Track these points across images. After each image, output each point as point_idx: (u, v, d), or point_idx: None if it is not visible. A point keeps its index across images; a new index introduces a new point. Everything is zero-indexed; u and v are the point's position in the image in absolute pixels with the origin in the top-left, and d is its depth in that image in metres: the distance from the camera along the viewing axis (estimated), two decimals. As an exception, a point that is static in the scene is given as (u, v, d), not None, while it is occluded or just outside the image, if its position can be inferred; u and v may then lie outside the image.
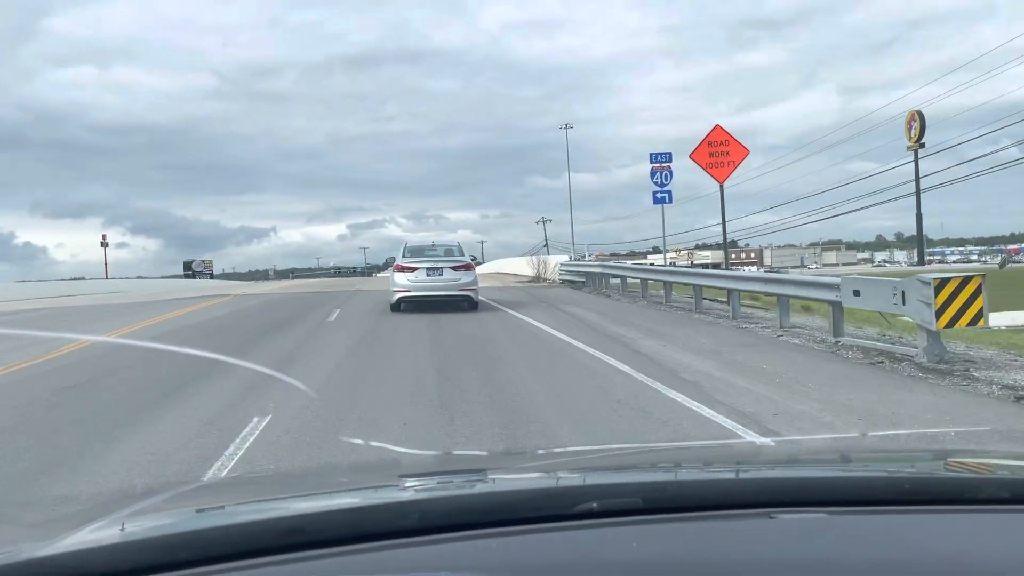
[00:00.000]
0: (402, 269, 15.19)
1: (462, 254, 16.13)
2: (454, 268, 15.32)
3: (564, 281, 27.24)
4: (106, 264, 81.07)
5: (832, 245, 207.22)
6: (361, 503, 1.22)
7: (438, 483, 1.46)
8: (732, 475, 1.45)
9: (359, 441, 4.68)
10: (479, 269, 23.01)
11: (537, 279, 29.86)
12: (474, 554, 0.95)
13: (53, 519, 1.39)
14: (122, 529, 1.11)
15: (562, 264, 29.60)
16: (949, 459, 1.64)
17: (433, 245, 16.48)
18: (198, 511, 1.26)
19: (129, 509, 1.29)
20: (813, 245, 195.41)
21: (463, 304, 15.30)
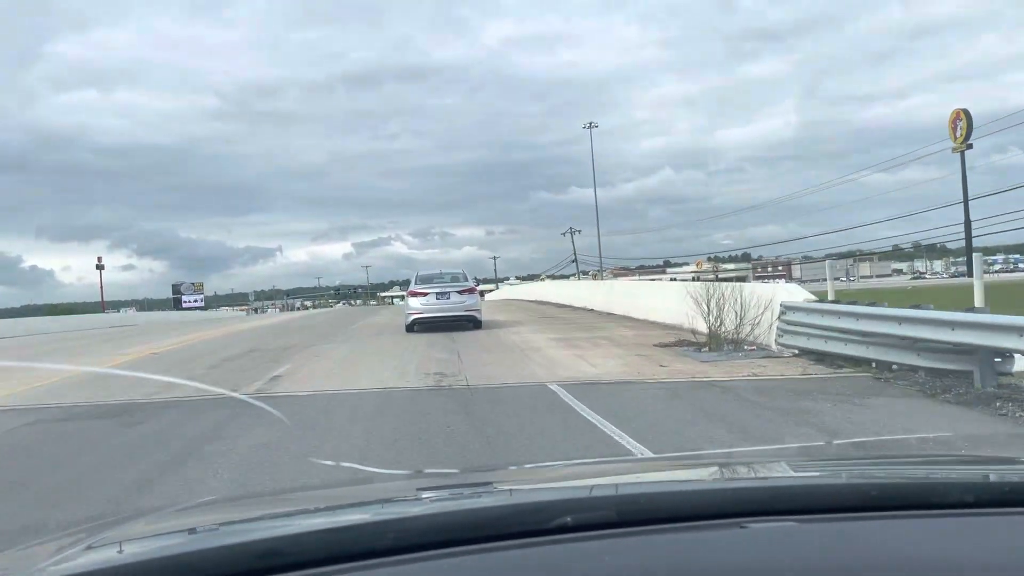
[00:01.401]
0: (415, 295, 17.90)
1: (466, 280, 18.87)
2: (460, 292, 17.99)
3: (808, 353, 10.67)
4: (101, 288, 77.90)
5: (865, 256, 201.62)
6: (337, 524, 1.22)
7: (413, 502, 1.48)
8: (703, 486, 1.49)
9: (330, 462, 4.53)
10: (499, 294, 25.49)
11: (717, 339, 12.25)
12: (451, 572, 0.99)
13: (22, 546, 1.37)
14: (91, 556, 1.15)
15: (804, 305, 11.13)
16: (916, 464, 1.71)
17: (441, 273, 19.32)
18: (170, 534, 1.30)
19: (100, 536, 1.30)
20: (844, 256, 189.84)
21: (468, 325, 18.05)
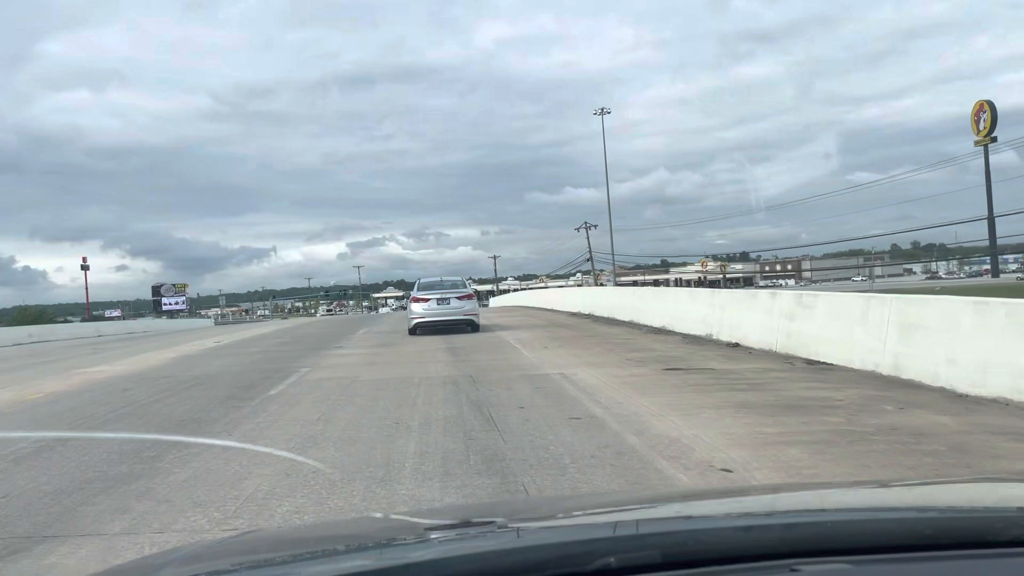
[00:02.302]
0: (417, 300, 19.61)
1: (465, 286, 20.59)
2: (459, 298, 19.58)
3: None
4: (87, 290, 74.75)
5: (875, 256, 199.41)
6: (372, 565, 1.20)
7: (452, 539, 1.43)
8: (752, 522, 1.45)
9: (379, 515, 3.83)
10: (506, 299, 25.29)
11: None
12: None
13: None
14: None
15: None
16: (972, 501, 1.63)
17: (441, 280, 21.15)
18: None
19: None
20: (854, 253, 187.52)
21: (466, 328, 19.60)
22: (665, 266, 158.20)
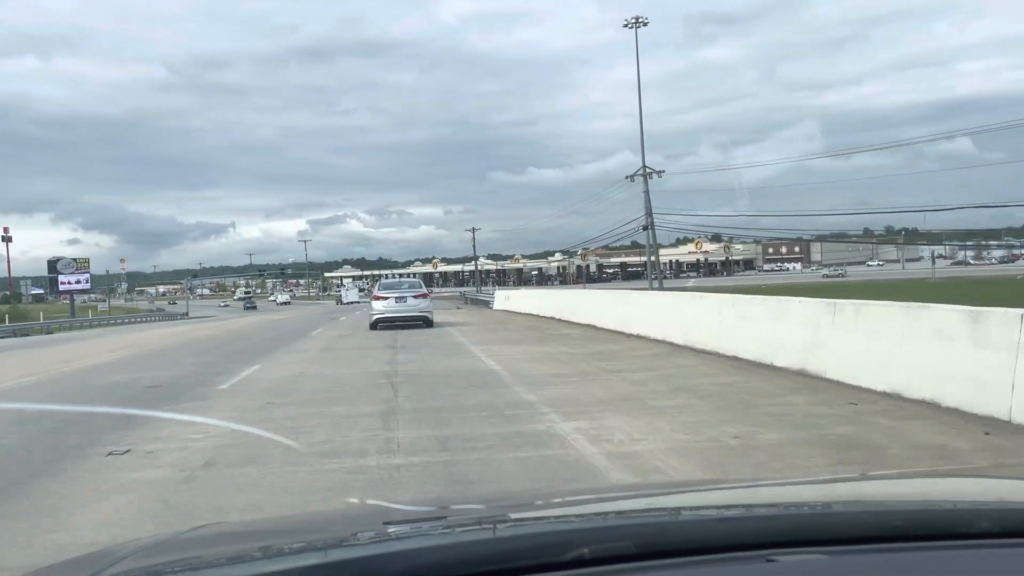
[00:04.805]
0: (378, 298, 22.61)
1: (421, 287, 24.38)
2: (415, 297, 22.61)
3: None
4: (9, 263, 62.65)
5: (889, 239, 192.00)
6: (340, 558, 1.23)
7: (425, 532, 1.48)
8: (728, 515, 1.48)
9: (355, 500, 4.31)
10: (522, 299, 29.67)
11: None
12: None
13: None
14: None
15: None
16: (945, 496, 1.70)
17: (400, 281, 27.95)
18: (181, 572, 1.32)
19: (91, 570, 1.31)
20: (868, 233, 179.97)
21: (420, 324, 21.97)
22: (639, 246, 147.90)
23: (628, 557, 1.08)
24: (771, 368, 10.11)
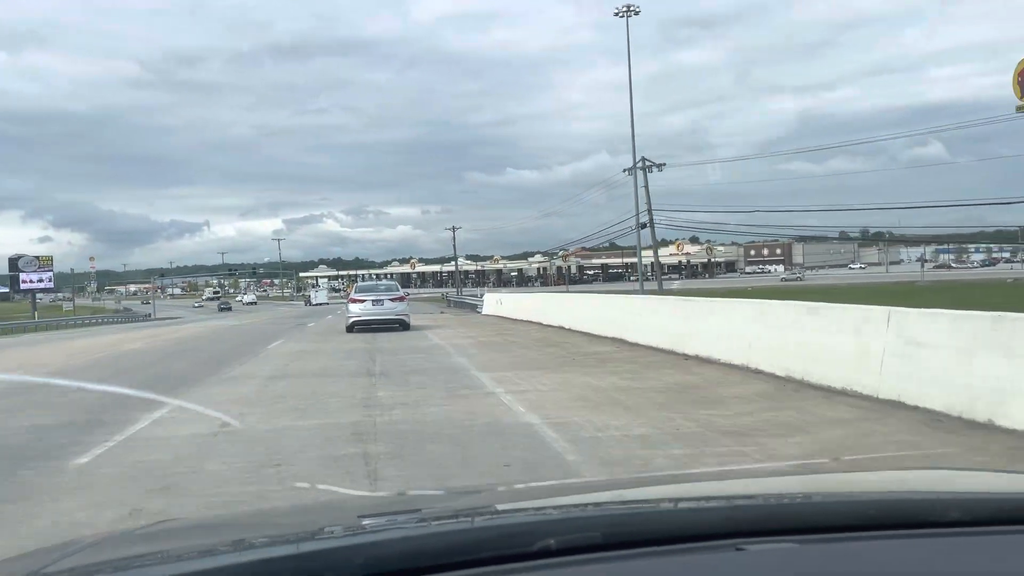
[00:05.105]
0: (354, 301, 22.05)
1: (397, 290, 23.33)
2: (392, 300, 22.09)
3: None
4: None
5: (870, 241, 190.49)
6: (303, 550, 1.19)
7: (388, 524, 1.43)
8: (697, 505, 1.47)
9: (305, 485, 4.12)
10: (514, 302, 26.82)
11: None
12: None
13: None
14: None
15: None
16: (914, 486, 1.69)
17: (376, 284, 25.09)
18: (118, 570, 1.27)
19: (39, 564, 1.25)
20: (844, 236, 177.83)
21: (397, 327, 21.52)
22: (616, 248, 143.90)
23: (597, 547, 1.07)
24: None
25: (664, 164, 43.75)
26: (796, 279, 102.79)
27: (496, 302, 32.13)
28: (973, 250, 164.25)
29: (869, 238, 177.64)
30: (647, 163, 43.41)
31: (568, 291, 75.09)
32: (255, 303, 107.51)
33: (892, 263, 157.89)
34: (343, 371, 12.11)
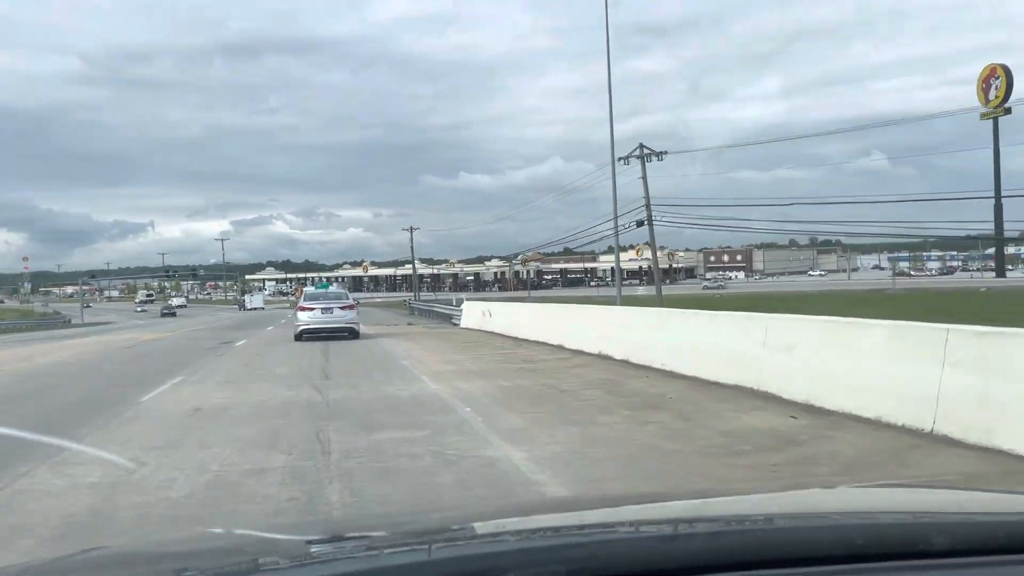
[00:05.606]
0: (303, 309, 21.58)
1: (347, 297, 22.93)
2: (341, 308, 21.67)
3: None
4: None
5: (828, 248, 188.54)
6: None
7: (349, 554, 1.34)
8: (670, 533, 1.34)
9: (219, 530, 3.24)
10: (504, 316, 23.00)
11: None
12: None
13: None
14: None
15: None
16: (899, 508, 1.63)
17: (326, 292, 24.00)
18: None
19: None
20: (793, 244, 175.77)
21: (347, 335, 21.13)
22: (573, 253, 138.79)
23: None
24: None
25: (665, 152, 37.72)
26: (717, 287, 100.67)
27: (482, 314, 25.31)
28: (926, 257, 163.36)
29: (816, 246, 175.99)
30: (647, 152, 37.35)
31: (530, 296, 69.34)
32: (184, 305, 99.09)
33: (853, 270, 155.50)
34: (259, 503, 5.50)
